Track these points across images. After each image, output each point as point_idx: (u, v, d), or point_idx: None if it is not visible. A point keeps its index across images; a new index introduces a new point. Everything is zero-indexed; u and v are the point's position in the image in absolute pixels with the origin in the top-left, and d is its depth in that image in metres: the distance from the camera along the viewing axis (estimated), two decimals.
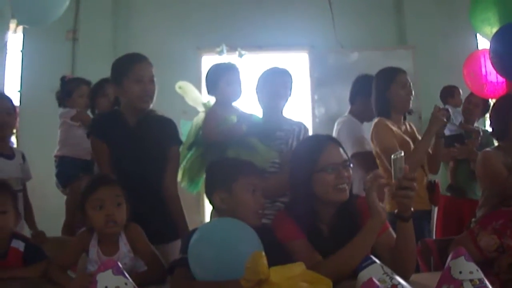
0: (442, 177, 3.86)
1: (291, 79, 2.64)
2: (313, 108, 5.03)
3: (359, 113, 3.24)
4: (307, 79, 5.16)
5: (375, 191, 1.63)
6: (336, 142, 1.87)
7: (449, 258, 1.44)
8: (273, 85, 2.58)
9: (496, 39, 3.16)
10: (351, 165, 1.81)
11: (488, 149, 2.75)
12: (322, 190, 1.73)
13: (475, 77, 3.41)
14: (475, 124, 3.84)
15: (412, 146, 2.78)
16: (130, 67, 2.27)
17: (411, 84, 2.86)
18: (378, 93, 2.87)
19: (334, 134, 3.27)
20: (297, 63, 5.27)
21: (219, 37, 4.13)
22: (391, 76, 2.85)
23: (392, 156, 1.63)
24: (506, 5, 3.22)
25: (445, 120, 2.67)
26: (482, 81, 3.36)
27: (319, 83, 5.03)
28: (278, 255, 1.45)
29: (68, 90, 3.36)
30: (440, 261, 2.11)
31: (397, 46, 5.01)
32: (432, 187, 2.85)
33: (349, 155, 3.00)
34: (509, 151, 2.61)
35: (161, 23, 5.08)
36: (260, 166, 2.27)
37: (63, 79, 3.48)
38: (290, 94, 2.63)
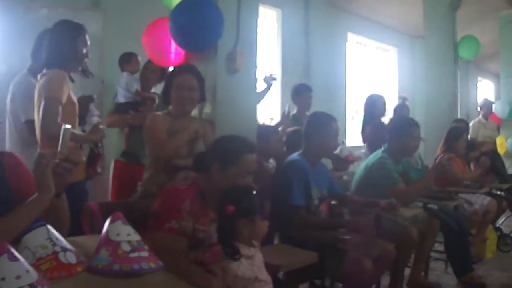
0: (117, 143, 3.87)
1: None
2: None
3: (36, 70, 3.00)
4: None
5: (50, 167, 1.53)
6: None
7: (106, 223, 1.50)
8: None
9: (176, 9, 3.22)
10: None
11: (158, 113, 2.83)
12: None
13: (154, 44, 3.43)
14: (153, 91, 3.93)
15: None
16: None
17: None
18: (60, 44, 2.77)
19: (9, 95, 3.07)
20: None
21: None
22: (79, 32, 2.84)
23: (63, 126, 1.63)
24: None
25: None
26: (160, 49, 3.39)
27: (2, 38, 4.38)
28: None
29: None
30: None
31: (89, 8, 4.71)
32: (93, 157, 3.02)
33: (23, 120, 2.82)
34: (177, 117, 2.74)
35: None
36: None
37: None
38: None
